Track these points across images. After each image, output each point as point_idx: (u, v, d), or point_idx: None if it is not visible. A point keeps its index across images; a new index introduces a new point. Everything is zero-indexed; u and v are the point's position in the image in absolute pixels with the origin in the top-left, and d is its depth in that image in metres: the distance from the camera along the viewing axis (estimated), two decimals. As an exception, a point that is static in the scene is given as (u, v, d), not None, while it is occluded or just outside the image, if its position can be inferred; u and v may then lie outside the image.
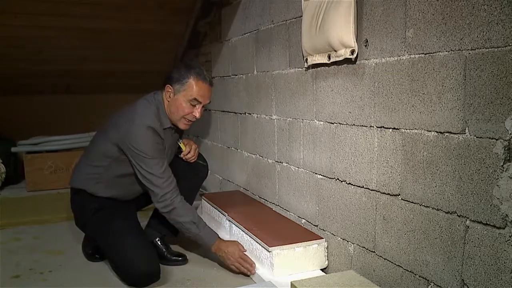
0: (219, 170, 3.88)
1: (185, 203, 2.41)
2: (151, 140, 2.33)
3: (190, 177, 2.71)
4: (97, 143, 2.51)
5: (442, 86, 1.57)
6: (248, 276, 2.34)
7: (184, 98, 2.39)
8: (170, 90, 2.41)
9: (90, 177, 2.49)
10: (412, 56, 1.70)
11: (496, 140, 1.39)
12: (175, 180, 2.41)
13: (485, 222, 1.44)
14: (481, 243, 1.46)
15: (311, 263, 2.29)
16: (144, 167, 2.34)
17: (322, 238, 2.32)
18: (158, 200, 2.37)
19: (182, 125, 2.47)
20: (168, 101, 2.43)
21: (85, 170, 2.51)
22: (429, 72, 1.62)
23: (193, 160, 2.71)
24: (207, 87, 2.42)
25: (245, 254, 2.38)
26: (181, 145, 2.66)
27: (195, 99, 2.39)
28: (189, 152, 2.67)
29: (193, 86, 2.38)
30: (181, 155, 2.67)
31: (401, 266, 1.82)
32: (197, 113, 2.43)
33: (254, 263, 2.35)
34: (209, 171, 2.91)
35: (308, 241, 2.30)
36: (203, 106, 2.45)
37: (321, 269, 2.31)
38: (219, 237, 2.45)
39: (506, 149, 1.36)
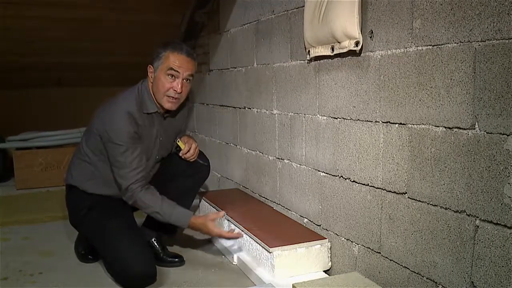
0: (218, 167, 3.88)
1: (148, 193, 2.39)
2: (124, 126, 2.33)
3: (189, 177, 2.69)
4: (86, 137, 2.53)
5: (451, 79, 1.57)
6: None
7: (162, 72, 2.38)
8: (151, 70, 2.43)
9: (82, 173, 2.50)
10: (419, 48, 1.70)
11: (507, 136, 1.39)
12: (145, 173, 2.41)
13: (495, 222, 1.44)
14: (491, 244, 1.46)
15: (313, 264, 2.30)
16: (112, 153, 2.36)
17: (325, 238, 2.33)
18: (122, 191, 2.39)
19: (166, 104, 2.43)
20: (151, 82, 2.44)
21: (77, 166, 2.52)
22: (437, 64, 1.62)
23: (193, 159, 2.70)
24: (183, 57, 2.40)
25: (218, 228, 2.42)
26: (180, 144, 2.64)
27: (171, 68, 2.37)
28: (188, 151, 2.65)
29: (169, 57, 2.38)
30: (180, 154, 2.65)
31: (408, 268, 1.83)
32: (177, 87, 2.39)
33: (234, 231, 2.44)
34: (210, 171, 2.88)
35: (311, 241, 2.30)
36: (185, 80, 2.42)
37: (324, 271, 2.31)
38: (194, 216, 2.46)
39: (517, 145, 1.37)
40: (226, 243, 2.68)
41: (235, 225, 2.67)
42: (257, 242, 2.39)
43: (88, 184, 2.49)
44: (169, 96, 2.41)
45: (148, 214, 2.47)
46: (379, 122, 1.93)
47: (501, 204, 1.42)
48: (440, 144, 1.64)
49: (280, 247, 2.25)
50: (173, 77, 2.39)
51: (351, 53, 2.06)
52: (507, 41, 1.37)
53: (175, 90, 2.39)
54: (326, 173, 2.34)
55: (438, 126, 1.64)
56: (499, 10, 1.39)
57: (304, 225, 2.56)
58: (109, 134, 2.33)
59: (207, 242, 2.88)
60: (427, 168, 1.70)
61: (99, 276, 2.44)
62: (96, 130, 2.40)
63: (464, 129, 1.53)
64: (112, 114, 2.36)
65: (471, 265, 1.54)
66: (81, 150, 2.53)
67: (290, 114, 2.66)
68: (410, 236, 1.80)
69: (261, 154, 3.07)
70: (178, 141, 2.64)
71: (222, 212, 2.49)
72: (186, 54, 2.41)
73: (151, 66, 2.43)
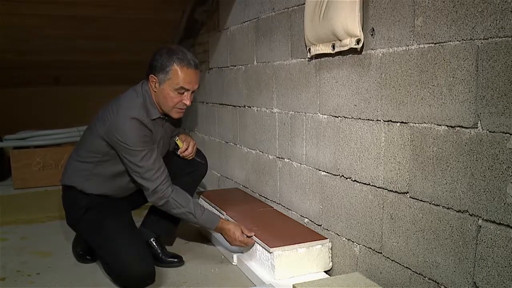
0: (217, 167, 3.88)
1: (179, 193, 2.41)
2: (137, 132, 2.32)
3: (187, 175, 2.70)
4: (86, 138, 2.51)
5: (453, 77, 1.57)
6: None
7: (171, 88, 2.35)
8: (154, 79, 2.38)
9: (80, 173, 2.49)
10: (421, 45, 1.70)
11: (510, 134, 1.38)
12: (167, 170, 2.41)
13: (498, 222, 1.44)
14: (494, 244, 1.46)
15: (314, 264, 2.29)
16: (132, 160, 2.34)
17: (326, 239, 2.33)
18: (149, 193, 2.38)
19: (175, 114, 2.45)
20: (155, 91, 2.40)
21: (75, 167, 2.51)
22: (439, 62, 1.62)
23: (191, 158, 2.70)
24: (193, 72, 2.37)
25: (244, 237, 2.43)
26: (178, 142, 2.64)
27: (182, 87, 2.36)
28: (186, 149, 2.66)
29: (178, 74, 2.34)
30: (178, 152, 2.65)
31: (409, 268, 1.83)
32: (187, 100, 2.40)
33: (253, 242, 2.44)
34: (208, 169, 2.90)
35: (311, 241, 2.30)
36: (192, 92, 2.42)
37: (325, 271, 2.31)
38: (221, 218, 2.50)
39: (520, 144, 1.36)
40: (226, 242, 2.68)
41: (235, 225, 2.67)
42: (257, 242, 2.39)
43: (87, 184, 2.48)
44: (178, 108, 2.42)
45: (177, 215, 2.46)
46: (380, 120, 1.93)
47: (504, 204, 1.42)
48: (442, 143, 1.63)
49: (280, 247, 2.25)
50: (183, 92, 2.38)
51: (352, 51, 2.06)
52: (510, 39, 1.37)
53: (184, 103, 2.40)
54: (327, 173, 2.34)
55: (440, 125, 1.64)
56: (502, 7, 1.38)
57: (305, 225, 2.56)
58: (122, 141, 2.31)
59: (207, 242, 2.88)
60: (429, 167, 1.70)
61: (97, 276, 2.44)
62: (100, 134, 2.37)
63: (467, 128, 1.53)
64: (121, 122, 2.32)
65: (473, 265, 1.54)
66: (79, 151, 2.52)
67: (290, 112, 2.66)
68: (412, 236, 1.80)
69: (261, 153, 3.07)
70: (177, 140, 2.64)
71: (253, 242, 2.45)
72: (194, 67, 2.38)
73: (153, 76, 2.37)
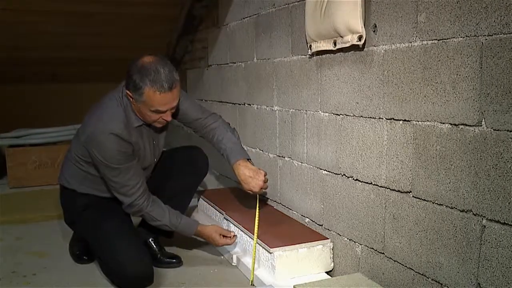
0: (217, 166, 3.87)
1: (154, 206, 2.42)
2: (114, 148, 2.28)
3: (187, 175, 2.69)
4: (76, 143, 2.48)
5: (457, 74, 1.57)
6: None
7: (147, 108, 2.27)
8: (131, 96, 2.29)
9: (76, 176, 2.49)
10: (424, 42, 1.70)
11: (515, 133, 1.39)
12: (144, 185, 2.40)
13: (503, 222, 1.44)
14: (498, 244, 1.46)
15: (315, 265, 2.30)
16: (107, 174, 2.35)
17: (328, 239, 2.33)
18: (125, 207, 2.41)
19: (157, 125, 2.40)
20: (134, 104, 2.32)
21: (70, 170, 2.51)
22: (443, 59, 1.62)
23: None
24: (167, 94, 2.22)
25: (224, 239, 2.49)
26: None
27: (157, 110, 2.27)
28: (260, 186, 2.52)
29: (151, 98, 2.22)
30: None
31: (412, 269, 1.83)
32: (166, 117, 2.33)
33: (234, 235, 2.54)
34: (208, 169, 2.89)
35: (312, 241, 2.30)
36: (172, 109, 2.34)
37: (326, 272, 2.31)
38: (199, 223, 2.54)
39: (525, 142, 1.36)
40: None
41: (235, 225, 2.67)
42: (257, 243, 2.39)
43: (83, 187, 2.49)
44: (159, 122, 2.37)
45: (154, 225, 2.49)
46: (382, 118, 1.93)
47: (509, 203, 1.42)
48: (445, 141, 1.63)
49: (281, 248, 2.25)
50: (159, 113, 2.31)
51: (354, 47, 2.06)
52: (515, 35, 1.37)
53: (165, 120, 2.35)
54: (328, 171, 2.34)
55: (443, 123, 1.64)
56: (506, 3, 1.38)
57: (306, 224, 2.56)
58: (98, 157, 2.29)
59: (206, 242, 2.88)
60: (432, 166, 1.70)
61: (94, 277, 2.44)
62: (83, 142, 2.35)
63: (471, 126, 1.53)
64: (99, 136, 2.27)
65: (477, 266, 1.54)
66: (72, 154, 2.50)
67: (291, 110, 2.66)
68: (414, 236, 1.80)
69: (261, 151, 3.07)
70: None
71: (234, 239, 2.51)
72: (168, 89, 2.21)
73: (128, 93, 2.28)
